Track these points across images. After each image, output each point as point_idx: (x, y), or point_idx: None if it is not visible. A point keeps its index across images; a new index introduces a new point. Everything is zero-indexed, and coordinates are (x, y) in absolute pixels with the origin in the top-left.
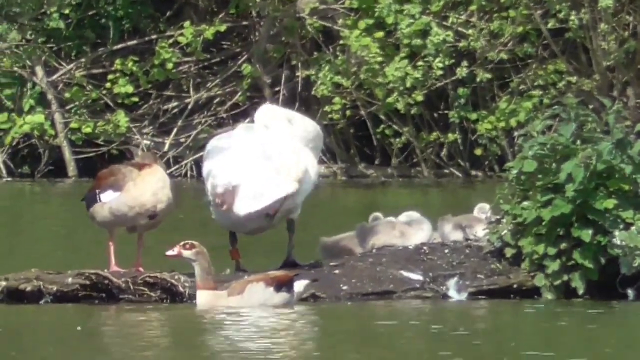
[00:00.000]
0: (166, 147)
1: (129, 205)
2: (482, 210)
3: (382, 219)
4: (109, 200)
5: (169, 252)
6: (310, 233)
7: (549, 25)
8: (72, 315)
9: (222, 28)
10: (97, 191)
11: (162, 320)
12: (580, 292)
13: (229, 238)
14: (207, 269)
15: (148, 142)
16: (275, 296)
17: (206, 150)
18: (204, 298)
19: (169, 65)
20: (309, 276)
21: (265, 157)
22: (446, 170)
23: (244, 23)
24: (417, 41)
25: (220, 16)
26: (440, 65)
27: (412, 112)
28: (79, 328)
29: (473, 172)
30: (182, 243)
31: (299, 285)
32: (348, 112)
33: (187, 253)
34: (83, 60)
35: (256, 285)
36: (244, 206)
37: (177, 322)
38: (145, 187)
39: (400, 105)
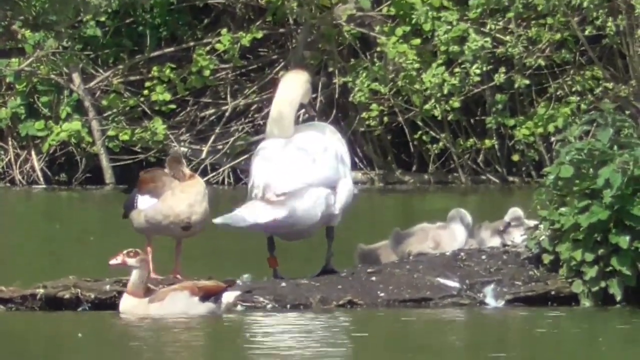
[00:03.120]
0: (203, 155)
1: (163, 214)
2: (514, 214)
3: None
4: (145, 208)
5: (113, 261)
6: (347, 239)
7: (586, 32)
8: (109, 322)
9: (259, 35)
10: (136, 195)
11: (196, 326)
12: (618, 298)
13: (267, 245)
14: (145, 277)
15: (185, 150)
16: (199, 306)
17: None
18: (126, 304)
19: (206, 73)
20: (245, 287)
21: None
22: (483, 177)
23: (281, 30)
24: (455, 48)
25: (257, 23)
26: (478, 71)
27: (450, 118)
28: (80, 335)
29: (510, 178)
30: (125, 251)
31: (229, 297)
32: (385, 119)
33: (131, 261)
34: (120, 67)
35: (179, 293)
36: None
37: (212, 328)
38: (182, 198)
39: (437, 112)
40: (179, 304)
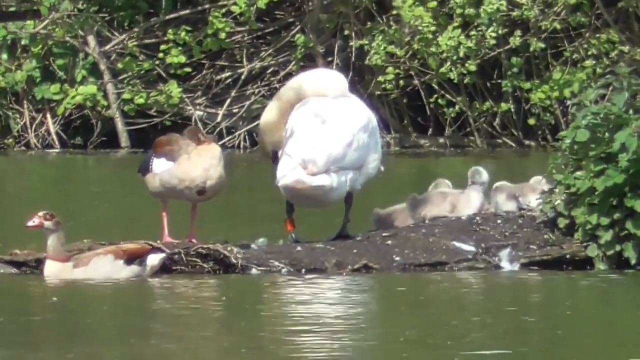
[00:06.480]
0: (219, 118)
1: (179, 178)
2: (536, 182)
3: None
4: (161, 172)
5: (30, 223)
6: (363, 203)
7: None
8: (124, 286)
9: None
10: (152, 157)
11: (213, 289)
12: (633, 262)
13: (286, 208)
14: (62, 240)
15: (201, 113)
16: (124, 269)
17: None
18: (51, 269)
19: (222, 35)
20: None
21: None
22: (499, 140)
23: None
24: (471, 10)
25: None
26: (494, 34)
27: (466, 81)
28: (54, 299)
29: (526, 142)
30: (41, 213)
31: (154, 259)
32: (401, 82)
33: (47, 224)
34: (136, 30)
35: (103, 257)
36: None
37: (230, 291)
38: (197, 162)
39: (453, 75)
40: (103, 267)
